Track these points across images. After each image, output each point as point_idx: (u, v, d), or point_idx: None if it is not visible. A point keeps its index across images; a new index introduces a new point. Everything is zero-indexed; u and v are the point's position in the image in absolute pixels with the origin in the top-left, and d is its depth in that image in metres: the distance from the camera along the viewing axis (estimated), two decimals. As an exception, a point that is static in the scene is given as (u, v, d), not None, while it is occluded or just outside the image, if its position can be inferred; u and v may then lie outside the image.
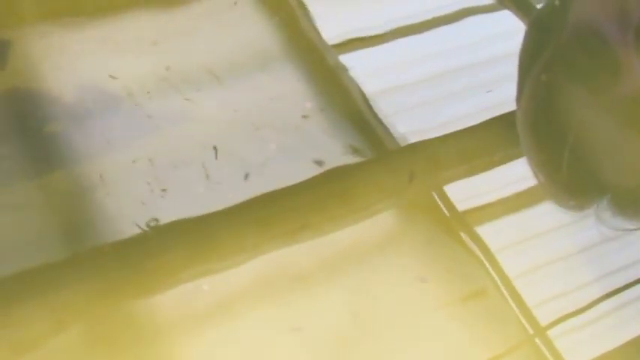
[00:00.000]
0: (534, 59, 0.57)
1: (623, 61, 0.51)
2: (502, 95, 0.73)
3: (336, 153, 0.69)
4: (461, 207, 0.67)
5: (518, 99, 0.58)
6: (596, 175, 0.56)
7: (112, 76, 0.69)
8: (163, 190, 0.63)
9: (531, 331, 0.62)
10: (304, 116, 0.70)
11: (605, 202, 0.58)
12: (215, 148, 0.66)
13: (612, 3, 0.52)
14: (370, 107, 0.72)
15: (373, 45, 0.77)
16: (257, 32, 0.76)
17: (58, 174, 0.62)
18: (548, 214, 0.67)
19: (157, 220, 0.61)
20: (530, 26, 0.60)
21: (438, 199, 0.68)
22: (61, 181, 0.62)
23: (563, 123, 0.55)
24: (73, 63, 0.69)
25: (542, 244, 0.66)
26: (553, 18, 0.58)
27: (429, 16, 0.80)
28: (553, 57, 0.56)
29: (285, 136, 0.69)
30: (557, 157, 0.55)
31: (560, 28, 0.56)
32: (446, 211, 0.67)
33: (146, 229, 0.61)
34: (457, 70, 0.76)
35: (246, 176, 0.65)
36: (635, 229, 0.61)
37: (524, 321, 0.62)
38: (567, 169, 0.55)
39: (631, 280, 0.66)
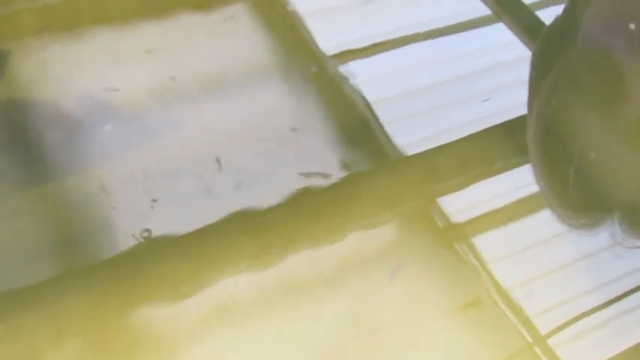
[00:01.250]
0: (542, 78, 0.57)
1: (630, 82, 0.52)
2: (498, 104, 0.73)
3: (331, 165, 0.69)
4: (458, 217, 0.67)
5: (528, 119, 0.59)
6: (605, 195, 0.57)
7: (108, 88, 0.69)
8: (155, 201, 0.63)
9: (530, 340, 0.62)
10: (298, 129, 0.70)
11: (617, 220, 0.58)
12: (218, 160, 0.66)
13: (621, 22, 0.52)
14: (367, 118, 0.72)
15: (368, 56, 0.77)
16: (253, 45, 0.76)
17: (55, 185, 0.62)
18: (544, 223, 0.68)
19: (150, 230, 0.61)
20: (539, 44, 0.60)
21: (434, 210, 0.68)
22: (58, 192, 0.62)
23: (570, 143, 0.55)
24: (70, 74, 0.69)
25: (540, 254, 0.66)
26: (562, 37, 0.58)
27: (426, 28, 0.80)
28: (560, 77, 0.57)
29: (280, 149, 0.69)
30: (564, 177, 0.56)
31: (568, 47, 0.56)
32: (442, 222, 0.67)
33: (142, 240, 0.60)
34: (453, 79, 0.77)
35: (242, 187, 0.65)
36: None
37: (523, 330, 0.62)
38: (574, 189, 0.55)
39: (630, 288, 0.66)
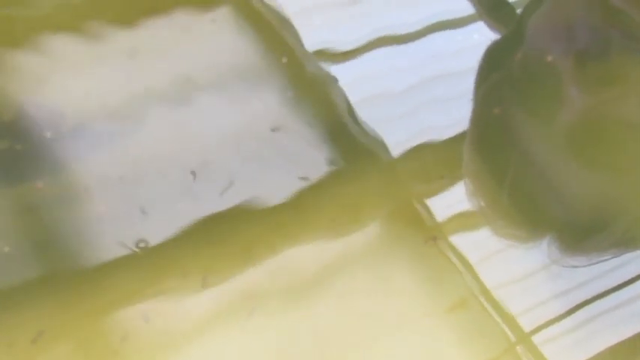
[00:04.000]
0: (483, 85, 0.58)
1: (568, 88, 0.52)
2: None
3: (317, 166, 0.69)
4: (443, 217, 0.67)
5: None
6: (541, 209, 0.56)
7: (88, 92, 0.69)
8: (145, 208, 0.63)
9: (514, 339, 0.62)
10: (285, 130, 0.70)
11: (553, 237, 0.58)
12: (193, 165, 0.66)
13: (561, 28, 0.52)
14: (353, 118, 0.72)
15: (354, 55, 0.77)
16: (236, 46, 0.76)
17: (36, 190, 0.62)
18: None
19: (145, 241, 0.61)
20: (485, 54, 0.60)
21: (420, 210, 0.68)
22: (40, 197, 0.62)
23: (505, 152, 0.55)
24: (50, 78, 0.69)
25: (525, 254, 0.66)
26: (508, 46, 0.58)
27: (412, 28, 0.80)
28: (501, 83, 0.57)
29: (266, 150, 0.69)
30: (499, 188, 0.56)
31: (512, 55, 0.56)
32: (429, 222, 0.67)
33: (133, 248, 0.61)
34: (438, 79, 0.76)
35: (226, 190, 0.65)
36: (584, 266, 0.61)
37: (507, 329, 0.62)
38: (508, 199, 0.55)
39: (612, 285, 0.66)
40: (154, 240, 0.62)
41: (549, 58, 0.52)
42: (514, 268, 0.65)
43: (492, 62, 0.60)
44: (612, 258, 0.63)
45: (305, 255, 0.64)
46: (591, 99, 0.53)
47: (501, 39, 0.61)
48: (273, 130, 0.70)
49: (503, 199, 0.55)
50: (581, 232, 0.60)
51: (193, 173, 0.66)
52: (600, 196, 0.59)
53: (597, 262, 0.63)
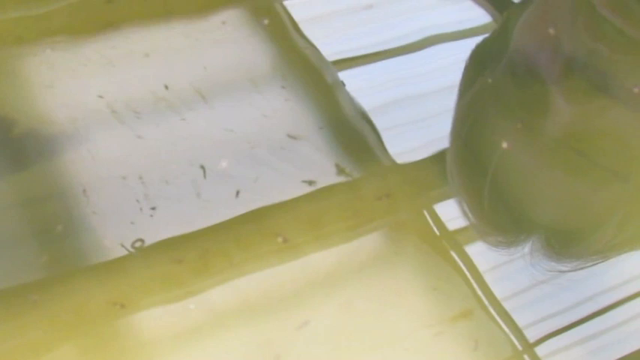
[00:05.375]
0: (467, 90, 0.57)
1: (551, 98, 0.51)
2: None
3: (327, 172, 0.69)
4: (451, 226, 0.67)
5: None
6: (523, 214, 0.56)
7: (101, 95, 0.69)
8: (152, 209, 0.63)
9: (520, 348, 0.61)
10: (295, 136, 0.70)
11: (536, 242, 0.57)
12: (203, 167, 0.66)
13: (548, 37, 0.52)
14: (362, 125, 0.72)
15: (365, 63, 0.77)
16: (247, 51, 0.76)
17: (43, 190, 0.62)
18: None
19: (142, 240, 0.61)
20: (470, 57, 0.60)
21: (428, 218, 0.67)
22: (46, 199, 0.62)
23: (486, 158, 0.55)
24: (62, 81, 0.69)
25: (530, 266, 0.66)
26: (492, 50, 0.58)
27: (424, 35, 0.80)
28: (485, 89, 0.56)
29: (276, 156, 0.69)
30: (480, 193, 0.55)
31: (496, 62, 0.56)
32: (436, 230, 0.67)
33: (132, 250, 0.60)
34: (449, 88, 0.76)
35: (237, 194, 0.65)
36: (568, 272, 0.61)
37: (513, 340, 0.61)
38: (489, 206, 0.55)
39: (620, 298, 0.65)
40: (153, 240, 0.61)
41: (537, 66, 0.52)
42: (522, 279, 0.65)
43: (477, 66, 0.60)
44: (598, 263, 0.63)
45: (309, 261, 0.63)
46: (577, 108, 0.53)
47: (486, 42, 0.60)
48: (285, 134, 0.70)
49: (486, 204, 0.55)
50: (567, 236, 0.59)
51: (203, 168, 0.66)
52: (585, 204, 0.58)
53: (583, 268, 0.63)
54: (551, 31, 0.52)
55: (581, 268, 0.62)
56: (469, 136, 0.56)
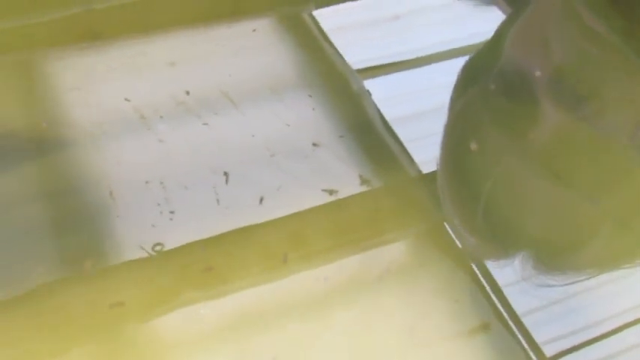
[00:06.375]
0: (458, 100, 0.57)
1: (540, 107, 0.51)
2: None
3: (349, 181, 0.68)
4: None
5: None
6: (516, 226, 0.56)
7: (127, 99, 0.69)
8: (172, 213, 0.63)
9: (536, 363, 0.61)
10: (319, 144, 0.70)
11: (527, 256, 0.57)
12: (226, 173, 0.66)
13: (537, 44, 0.52)
14: (388, 135, 0.72)
15: (391, 72, 0.77)
16: (275, 59, 0.76)
17: (69, 193, 0.63)
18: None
19: (162, 244, 0.61)
20: (462, 69, 0.60)
21: (449, 230, 0.67)
22: (72, 200, 0.63)
23: (480, 167, 0.54)
24: (90, 85, 0.70)
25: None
26: (484, 62, 0.57)
27: (450, 47, 0.80)
28: (476, 98, 0.56)
29: (299, 164, 0.69)
30: (473, 202, 0.55)
31: (488, 71, 0.55)
32: (458, 243, 0.66)
33: (152, 252, 0.61)
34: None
35: (260, 201, 0.65)
36: (558, 286, 0.60)
37: (532, 354, 0.61)
38: (482, 216, 0.55)
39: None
40: (172, 244, 0.62)
41: (527, 76, 0.51)
42: (542, 295, 0.64)
43: (469, 77, 0.59)
44: (589, 278, 0.62)
45: (330, 269, 0.63)
46: (567, 115, 0.52)
47: (478, 53, 0.60)
48: (311, 143, 0.70)
49: (477, 215, 0.54)
50: (557, 250, 0.59)
51: (226, 175, 0.66)
52: (575, 213, 0.58)
53: (573, 282, 0.62)
54: (542, 39, 0.52)
55: (572, 283, 0.61)
56: (461, 147, 0.56)
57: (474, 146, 0.57)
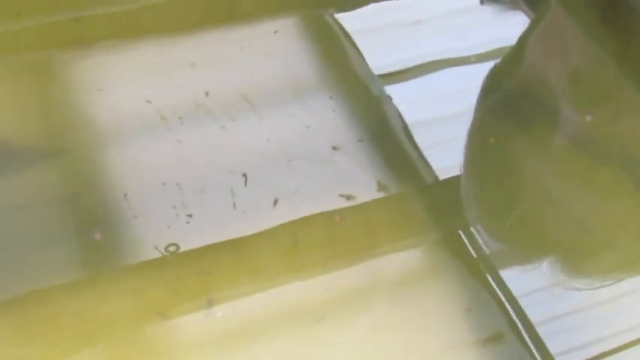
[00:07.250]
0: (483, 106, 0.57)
1: (560, 109, 0.51)
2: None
3: (366, 187, 0.68)
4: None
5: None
6: (542, 230, 0.55)
7: (148, 100, 0.70)
8: (189, 216, 0.64)
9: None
10: (338, 148, 0.70)
11: (555, 259, 0.56)
12: (245, 175, 0.67)
13: (555, 48, 0.52)
14: (406, 140, 0.72)
15: (412, 77, 0.77)
16: (296, 61, 0.76)
17: (85, 194, 0.64)
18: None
19: (177, 245, 0.62)
20: (487, 76, 0.60)
21: (464, 238, 0.66)
22: (88, 201, 0.63)
23: (504, 172, 0.54)
24: (110, 85, 0.70)
25: (567, 291, 0.65)
26: (509, 66, 0.57)
27: (472, 52, 0.79)
28: (499, 104, 0.56)
29: (317, 168, 0.69)
30: (499, 208, 0.55)
31: (512, 77, 0.55)
32: (473, 252, 0.66)
33: (166, 253, 0.61)
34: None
35: (275, 203, 0.66)
36: (588, 289, 0.59)
37: (543, 366, 0.61)
38: (509, 221, 0.54)
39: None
40: (187, 245, 0.62)
41: (547, 79, 0.51)
42: (557, 305, 0.64)
43: (494, 82, 0.59)
44: (615, 283, 0.61)
45: (343, 276, 0.63)
46: (584, 118, 0.52)
47: (503, 60, 0.60)
48: (331, 146, 0.70)
49: (504, 221, 0.54)
50: (582, 253, 0.58)
51: (245, 176, 0.66)
52: (599, 216, 0.57)
53: (600, 287, 0.61)
54: (560, 43, 0.51)
55: (597, 288, 0.61)
56: (484, 152, 0.56)
57: (492, 141, 0.57)
